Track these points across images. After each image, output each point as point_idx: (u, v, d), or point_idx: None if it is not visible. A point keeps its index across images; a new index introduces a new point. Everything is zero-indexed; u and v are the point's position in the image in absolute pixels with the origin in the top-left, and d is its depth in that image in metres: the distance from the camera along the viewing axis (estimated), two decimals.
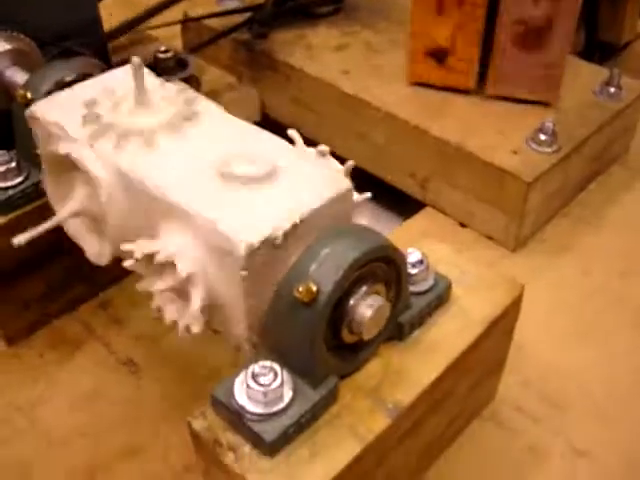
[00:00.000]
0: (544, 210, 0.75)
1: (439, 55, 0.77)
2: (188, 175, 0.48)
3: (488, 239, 0.76)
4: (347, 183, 0.48)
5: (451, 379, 0.51)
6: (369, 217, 0.84)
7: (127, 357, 0.65)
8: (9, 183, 0.60)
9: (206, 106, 0.54)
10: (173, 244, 0.46)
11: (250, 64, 0.89)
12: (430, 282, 0.52)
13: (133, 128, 0.50)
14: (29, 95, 0.58)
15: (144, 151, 0.50)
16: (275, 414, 0.44)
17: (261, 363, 0.45)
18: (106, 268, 0.55)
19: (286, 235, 0.44)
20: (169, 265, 0.46)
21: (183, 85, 0.56)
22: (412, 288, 0.51)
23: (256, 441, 0.44)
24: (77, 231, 0.55)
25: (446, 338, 0.51)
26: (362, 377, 0.49)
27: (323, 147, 0.52)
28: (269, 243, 0.43)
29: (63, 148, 0.51)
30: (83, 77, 0.60)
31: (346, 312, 0.45)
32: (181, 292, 0.47)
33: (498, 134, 0.74)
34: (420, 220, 0.79)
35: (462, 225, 0.78)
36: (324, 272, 0.43)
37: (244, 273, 0.43)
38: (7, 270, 0.62)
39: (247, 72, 0.90)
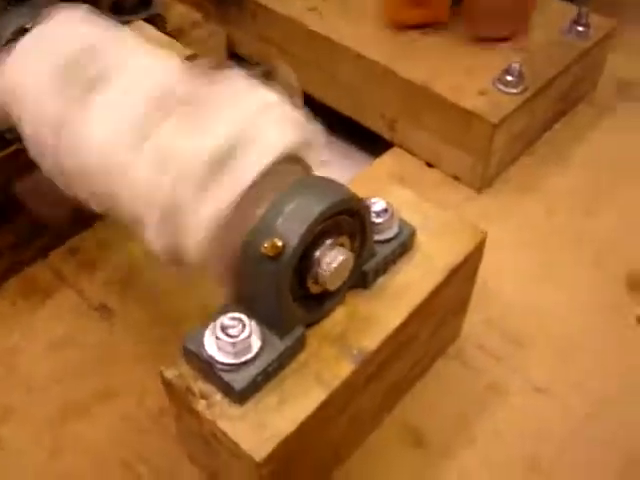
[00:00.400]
0: (510, 150, 0.76)
1: None
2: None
3: (454, 179, 0.77)
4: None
5: (415, 323, 0.53)
6: (340, 157, 0.85)
7: (99, 303, 0.66)
8: None
9: None
10: None
11: (216, 1, 0.87)
12: (395, 230, 0.53)
13: None
14: None
15: None
16: (244, 364, 0.46)
17: (230, 315, 0.46)
18: (74, 214, 0.55)
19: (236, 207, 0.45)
20: None
21: None
22: (377, 237, 0.52)
23: (226, 390, 0.46)
24: None
25: (410, 285, 0.53)
26: (328, 325, 0.50)
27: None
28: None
29: None
30: None
31: (311, 264, 0.46)
32: None
33: (465, 75, 0.74)
34: (387, 161, 0.79)
35: (429, 165, 0.78)
36: (289, 227, 0.44)
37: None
38: None
39: (213, 9, 0.88)
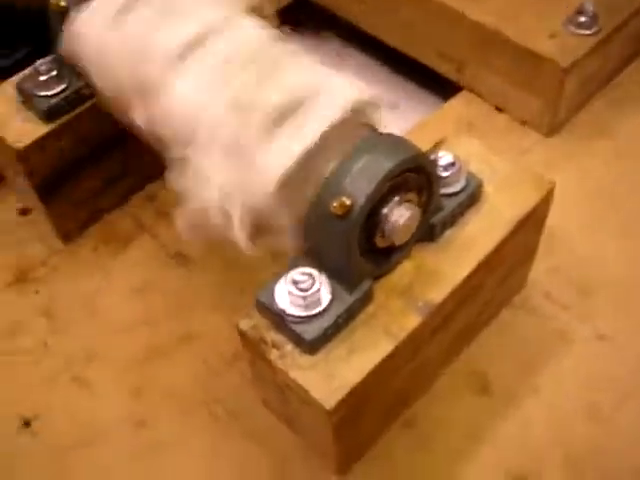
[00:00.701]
0: (580, 94, 0.75)
1: None
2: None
3: (523, 124, 0.76)
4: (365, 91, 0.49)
5: (482, 275, 0.54)
6: (409, 98, 0.85)
7: (175, 250, 0.69)
8: (52, 91, 0.62)
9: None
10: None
11: None
12: (462, 183, 0.54)
13: None
14: (62, 3, 0.59)
15: None
16: (314, 316, 0.48)
17: (300, 269, 0.48)
18: (153, 160, 0.57)
19: (306, 158, 0.46)
20: None
21: None
22: (444, 190, 0.53)
23: (297, 340, 0.48)
24: None
25: (477, 237, 0.53)
26: (395, 278, 0.52)
27: None
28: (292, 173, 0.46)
29: None
30: None
31: (379, 220, 0.47)
32: None
33: (536, 16, 0.72)
34: (456, 105, 0.78)
35: (498, 109, 0.77)
36: (357, 186, 0.45)
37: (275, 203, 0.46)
38: (58, 174, 0.65)
39: None
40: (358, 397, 0.48)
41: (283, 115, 0.47)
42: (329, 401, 0.46)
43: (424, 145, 0.73)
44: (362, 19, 0.86)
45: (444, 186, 0.53)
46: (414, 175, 0.48)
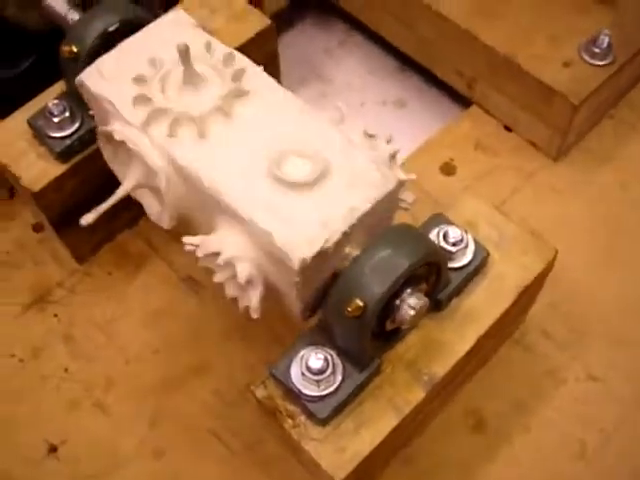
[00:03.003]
0: (589, 121, 0.75)
1: None
2: (240, 172, 0.51)
3: (531, 145, 0.76)
4: (395, 179, 0.50)
5: (484, 342, 0.57)
6: (416, 96, 0.84)
7: (187, 275, 0.71)
8: (65, 132, 0.62)
9: (255, 79, 0.54)
10: (231, 245, 0.50)
11: None
12: (469, 257, 0.55)
13: (185, 114, 0.52)
14: (74, 49, 0.58)
15: (197, 142, 0.52)
16: (326, 396, 0.51)
17: (314, 354, 0.51)
18: None
19: (337, 243, 0.47)
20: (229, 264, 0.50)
21: (228, 50, 0.56)
22: (451, 264, 0.55)
23: (310, 415, 0.52)
24: (138, 194, 0.59)
25: (481, 307, 0.56)
26: (402, 349, 0.54)
27: (368, 130, 0.53)
28: (321, 254, 0.47)
29: (118, 134, 0.53)
30: (124, 24, 0.59)
31: (391, 310, 0.50)
32: None
33: (550, 41, 0.72)
34: (465, 121, 0.79)
35: (507, 128, 0.78)
36: (371, 287, 0.47)
37: (297, 279, 0.48)
38: (72, 208, 0.66)
39: None
40: (366, 464, 0.52)
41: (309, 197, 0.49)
42: (339, 474, 0.50)
43: (432, 165, 0.76)
44: (382, 27, 0.84)
45: (451, 260, 0.55)
46: (426, 267, 0.50)
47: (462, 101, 0.83)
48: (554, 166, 0.76)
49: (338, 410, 0.52)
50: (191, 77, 0.52)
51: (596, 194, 0.74)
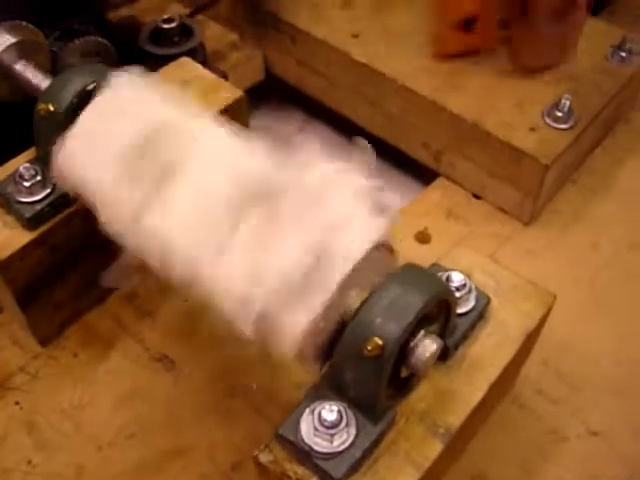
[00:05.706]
0: (557, 183, 0.77)
1: (468, 22, 0.75)
2: None
3: (501, 211, 0.77)
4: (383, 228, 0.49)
5: (494, 392, 0.54)
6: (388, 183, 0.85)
7: (161, 353, 0.66)
8: (36, 197, 0.59)
9: None
10: None
11: (252, 21, 0.85)
12: (472, 302, 0.54)
13: None
14: (51, 108, 0.56)
15: None
16: (341, 452, 0.47)
17: (328, 406, 0.47)
18: None
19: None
20: None
21: None
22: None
23: (324, 475, 0.47)
24: None
25: (487, 356, 0.54)
26: (413, 400, 0.51)
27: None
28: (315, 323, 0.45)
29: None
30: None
31: (406, 354, 0.47)
32: None
33: (515, 108, 0.74)
34: (434, 193, 0.79)
35: (475, 196, 0.79)
36: (388, 325, 0.45)
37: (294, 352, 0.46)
38: (38, 280, 0.62)
39: (249, 29, 0.86)
40: None
41: (303, 280, 0.46)
42: None
43: (407, 234, 0.75)
44: (346, 108, 0.86)
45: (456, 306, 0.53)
46: (436, 307, 0.48)
47: (426, 178, 0.84)
48: (526, 230, 0.76)
49: (354, 468, 0.47)
50: None
51: (570, 254, 0.75)
